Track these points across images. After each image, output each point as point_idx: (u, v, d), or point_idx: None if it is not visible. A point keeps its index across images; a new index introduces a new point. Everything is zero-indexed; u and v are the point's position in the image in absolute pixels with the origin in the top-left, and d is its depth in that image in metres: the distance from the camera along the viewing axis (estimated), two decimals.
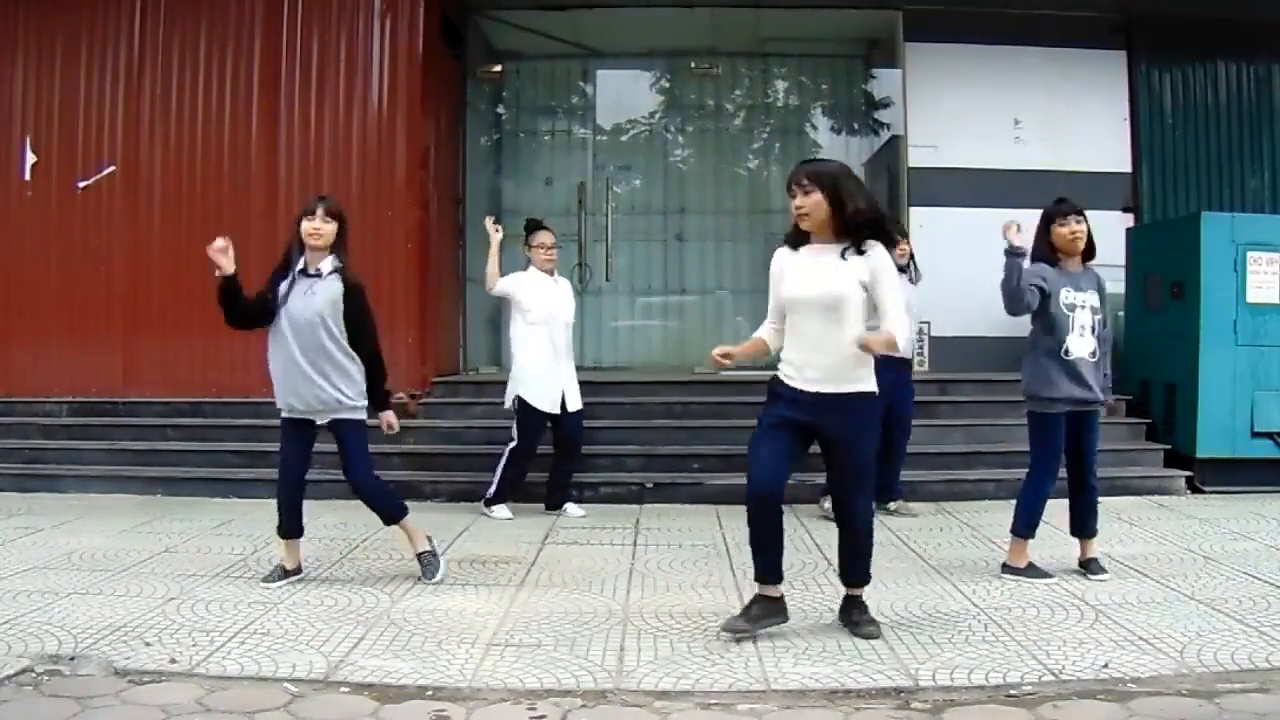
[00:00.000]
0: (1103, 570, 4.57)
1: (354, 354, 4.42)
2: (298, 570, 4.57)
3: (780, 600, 3.80)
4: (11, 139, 7.70)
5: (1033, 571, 4.56)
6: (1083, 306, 4.48)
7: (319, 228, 4.36)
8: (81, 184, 7.64)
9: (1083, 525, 4.66)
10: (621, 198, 10.00)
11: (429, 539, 4.65)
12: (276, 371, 4.42)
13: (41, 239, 7.65)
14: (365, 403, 4.48)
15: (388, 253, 7.25)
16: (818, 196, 3.66)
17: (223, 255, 4.21)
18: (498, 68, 9.74)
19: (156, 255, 7.56)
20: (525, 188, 10.26)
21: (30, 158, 7.69)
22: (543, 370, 6.07)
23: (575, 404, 6.17)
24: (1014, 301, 4.42)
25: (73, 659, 3.44)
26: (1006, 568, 4.62)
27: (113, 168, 7.63)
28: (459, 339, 8.73)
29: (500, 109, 10.36)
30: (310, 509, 5.77)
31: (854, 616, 3.82)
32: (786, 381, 3.74)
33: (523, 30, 9.44)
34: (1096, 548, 4.67)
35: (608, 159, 10.23)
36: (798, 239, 3.79)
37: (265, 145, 7.53)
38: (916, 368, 8.07)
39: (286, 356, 4.36)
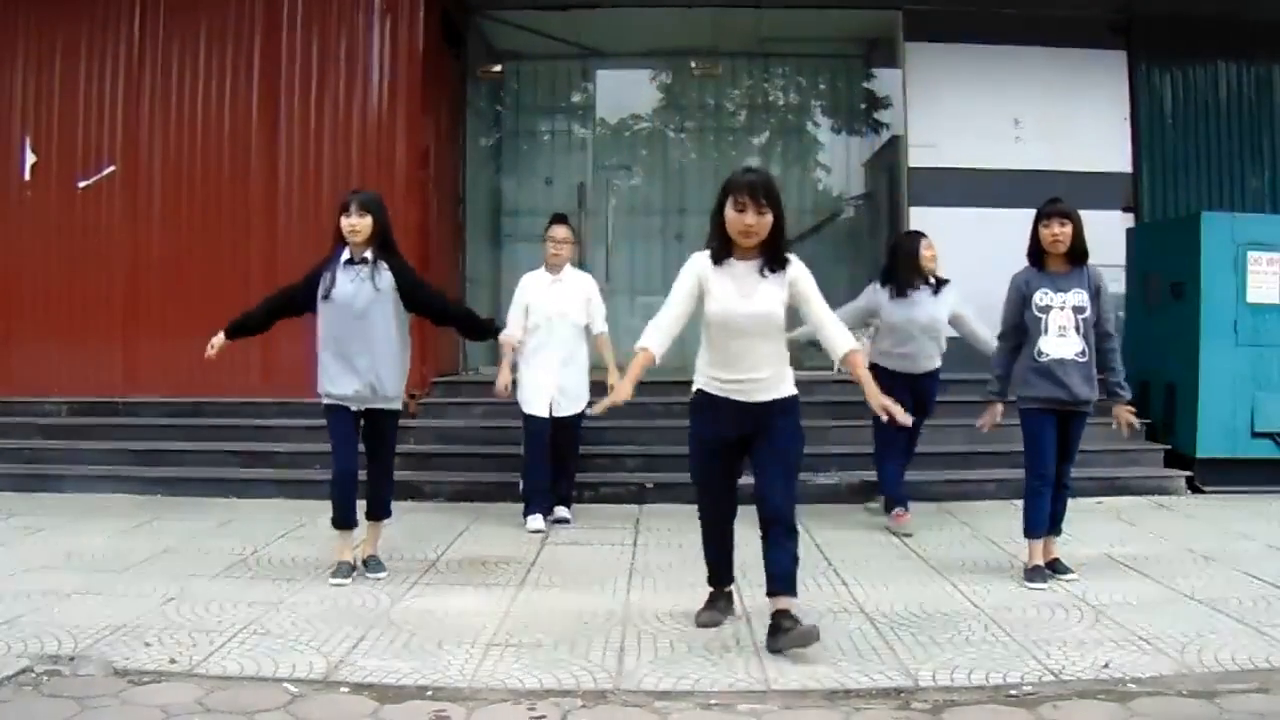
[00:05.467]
0: (1068, 570, 4.51)
1: (407, 340, 4.58)
2: (348, 569, 4.55)
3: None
4: (11, 139, 7.70)
5: (1033, 575, 4.45)
6: (1060, 307, 4.39)
7: (355, 224, 4.42)
8: (81, 184, 7.63)
9: (1052, 523, 4.56)
10: (622, 197, 10.00)
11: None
12: (326, 360, 4.50)
13: (41, 239, 7.64)
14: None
15: None
16: (770, 218, 3.56)
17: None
18: (498, 68, 9.74)
19: (156, 255, 7.57)
20: (525, 187, 10.26)
21: (30, 158, 7.68)
22: (533, 374, 5.80)
23: (564, 411, 5.80)
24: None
25: (73, 659, 3.44)
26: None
27: (113, 168, 7.63)
28: (459, 339, 8.71)
29: (500, 109, 10.36)
30: (310, 509, 5.84)
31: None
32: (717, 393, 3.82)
33: (523, 30, 9.44)
34: (1059, 548, 4.62)
35: (608, 159, 10.22)
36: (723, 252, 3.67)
37: (265, 145, 7.53)
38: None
39: (336, 344, 4.46)
